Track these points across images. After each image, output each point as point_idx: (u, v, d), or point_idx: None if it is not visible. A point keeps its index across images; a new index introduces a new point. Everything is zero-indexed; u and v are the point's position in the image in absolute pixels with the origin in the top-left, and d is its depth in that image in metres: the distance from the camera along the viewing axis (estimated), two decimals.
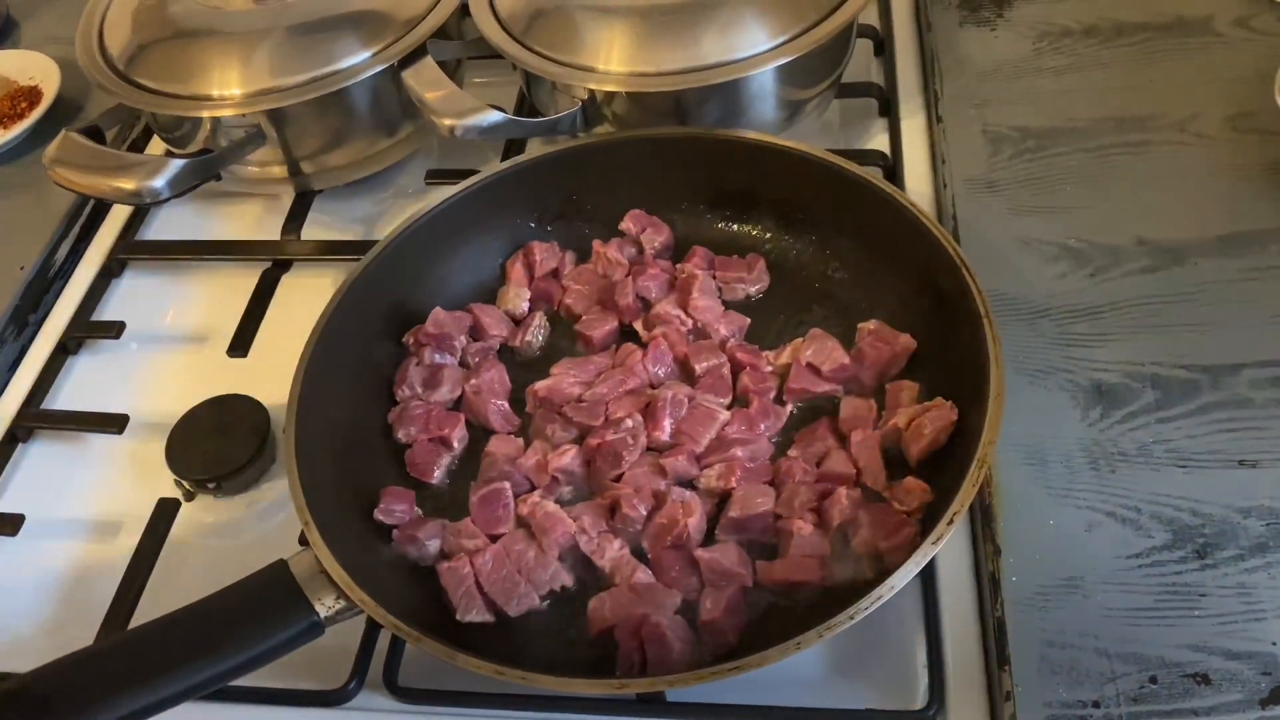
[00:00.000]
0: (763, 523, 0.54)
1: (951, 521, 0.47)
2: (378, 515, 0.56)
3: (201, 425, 0.65)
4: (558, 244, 0.69)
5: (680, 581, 0.52)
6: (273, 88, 0.70)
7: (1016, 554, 0.52)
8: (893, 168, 0.74)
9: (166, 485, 0.64)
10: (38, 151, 0.72)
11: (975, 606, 0.53)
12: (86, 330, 0.74)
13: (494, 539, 0.55)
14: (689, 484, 0.57)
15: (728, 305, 0.65)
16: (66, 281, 0.77)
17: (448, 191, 0.66)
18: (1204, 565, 0.51)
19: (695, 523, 0.54)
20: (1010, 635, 0.50)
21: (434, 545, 0.55)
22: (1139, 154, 0.69)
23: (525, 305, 0.67)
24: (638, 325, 0.64)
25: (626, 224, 0.69)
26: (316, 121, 0.73)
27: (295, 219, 0.77)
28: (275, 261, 0.75)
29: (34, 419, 0.69)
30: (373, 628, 0.55)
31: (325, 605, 0.49)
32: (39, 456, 0.69)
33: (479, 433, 0.61)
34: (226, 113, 0.70)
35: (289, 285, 0.74)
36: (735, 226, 0.69)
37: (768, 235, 0.69)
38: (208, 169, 0.70)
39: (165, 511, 0.62)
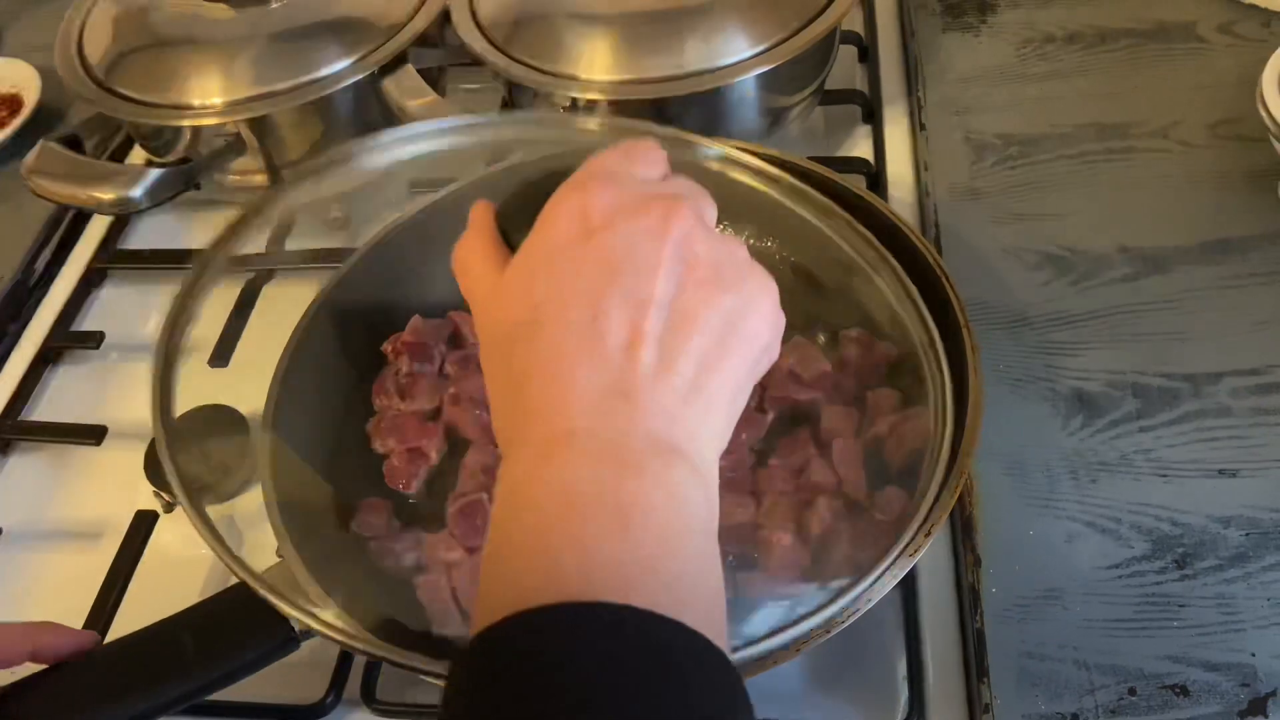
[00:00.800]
0: (742, 534, 0.54)
1: (930, 533, 0.47)
2: (354, 528, 0.56)
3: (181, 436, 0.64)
4: None
5: None
6: (253, 96, 0.70)
7: (996, 565, 0.52)
8: (876, 175, 0.74)
9: (145, 497, 0.64)
10: (17, 160, 0.71)
11: (956, 618, 0.53)
12: (66, 340, 0.73)
13: (472, 551, 0.54)
14: None
15: None
16: (46, 291, 0.77)
17: (430, 198, 0.66)
18: (1183, 576, 0.50)
19: None
20: (990, 647, 0.50)
21: (411, 558, 0.55)
22: (1122, 161, 0.69)
23: None
24: None
25: None
26: (297, 130, 0.73)
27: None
28: (257, 271, 0.75)
29: (12, 430, 0.68)
30: None
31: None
32: (17, 467, 0.68)
33: (458, 443, 0.61)
34: (206, 121, 0.70)
35: (270, 295, 0.74)
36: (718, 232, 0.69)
37: (750, 242, 0.68)
38: (188, 178, 0.70)
39: (143, 523, 0.62)
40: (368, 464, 0.60)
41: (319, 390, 0.60)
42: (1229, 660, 0.48)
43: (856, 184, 0.62)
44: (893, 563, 0.46)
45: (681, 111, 0.69)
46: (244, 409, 0.65)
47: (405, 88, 0.70)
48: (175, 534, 0.63)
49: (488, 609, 0.30)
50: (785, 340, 0.46)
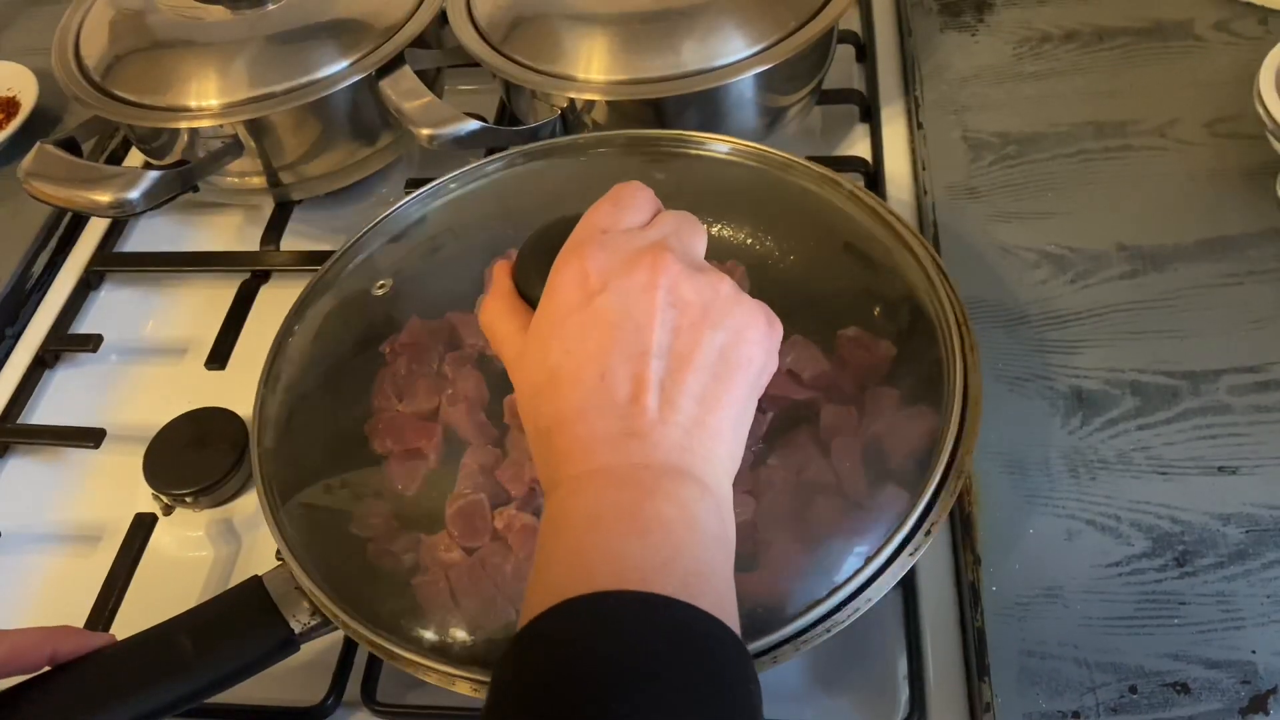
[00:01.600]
0: (742, 534, 0.53)
1: (930, 532, 0.47)
2: (353, 529, 0.56)
3: (179, 438, 0.64)
4: None
5: None
6: (250, 98, 0.70)
7: (996, 563, 0.52)
8: (874, 174, 0.74)
9: (144, 499, 0.64)
10: (15, 163, 0.71)
11: (956, 617, 0.53)
12: (64, 343, 0.73)
13: (470, 552, 0.54)
14: None
15: None
16: (44, 294, 0.77)
17: (420, 191, 0.66)
18: (1183, 573, 0.50)
19: None
20: (990, 645, 0.49)
21: (410, 559, 0.55)
22: (1119, 159, 0.69)
23: None
24: None
25: None
26: (295, 131, 0.72)
27: (274, 229, 0.76)
28: (254, 273, 0.75)
29: (10, 433, 0.68)
30: (351, 642, 0.55)
31: (300, 621, 0.49)
32: (15, 471, 0.68)
33: (456, 444, 0.61)
34: (203, 123, 0.70)
35: (267, 296, 0.74)
36: (714, 231, 0.69)
37: (748, 241, 0.68)
38: (185, 180, 0.69)
39: (142, 526, 0.62)
40: (367, 465, 0.60)
41: (314, 392, 0.60)
42: (1229, 658, 0.48)
43: (855, 183, 0.62)
44: (893, 561, 0.46)
45: (679, 111, 0.69)
46: (242, 411, 0.65)
47: (402, 89, 0.70)
48: (174, 536, 0.63)
49: (529, 611, 0.35)
50: (784, 339, 0.46)
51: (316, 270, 0.72)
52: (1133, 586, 0.50)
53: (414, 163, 0.82)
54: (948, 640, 0.52)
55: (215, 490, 0.63)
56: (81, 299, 0.77)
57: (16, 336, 0.74)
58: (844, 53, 0.82)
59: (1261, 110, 0.62)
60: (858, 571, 0.47)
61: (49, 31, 0.77)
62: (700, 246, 0.44)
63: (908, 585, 0.54)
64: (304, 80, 0.70)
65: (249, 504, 0.64)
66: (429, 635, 0.49)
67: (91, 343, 0.72)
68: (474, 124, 0.67)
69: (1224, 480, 0.53)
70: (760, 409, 0.59)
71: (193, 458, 0.63)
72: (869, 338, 0.59)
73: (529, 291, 0.45)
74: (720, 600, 0.36)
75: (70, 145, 0.70)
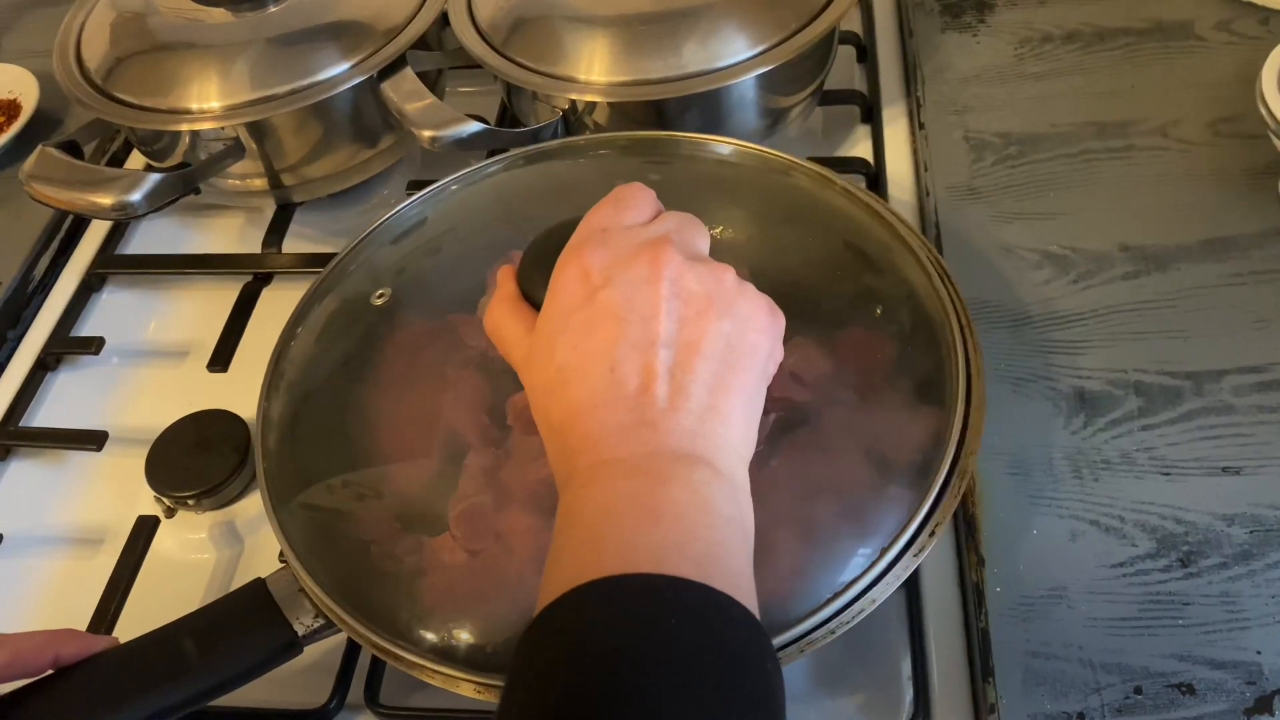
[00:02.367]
0: None
1: (934, 533, 0.47)
2: (356, 531, 0.55)
3: (181, 441, 0.64)
4: None
5: None
6: (251, 100, 0.70)
7: (1000, 564, 0.52)
8: (875, 175, 0.74)
9: (147, 502, 0.64)
10: (16, 166, 0.71)
11: (960, 618, 0.53)
12: (66, 346, 0.73)
13: (474, 554, 0.54)
14: None
15: None
16: (45, 297, 0.77)
17: (422, 193, 0.66)
18: (1188, 574, 0.50)
19: None
20: (994, 646, 0.49)
21: (413, 561, 0.55)
22: (1121, 159, 0.69)
23: None
24: None
25: None
26: (296, 133, 0.72)
27: (276, 231, 0.76)
28: (256, 275, 0.75)
29: (12, 436, 0.68)
30: (354, 645, 0.55)
31: (303, 623, 0.49)
32: (17, 474, 0.68)
33: (458, 446, 0.61)
34: (205, 126, 0.70)
35: (270, 298, 0.74)
36: (716, 233, 0.69)
37: (750, 243, 0.68)
38: (186, 182, 0.69)
39: (144, 529, 0.62)
40: (368, 468, 0.60)
41: (317, 394, 0.59)
42: (1235, 658, 0.48)
43: (856, 184, 0.62)
44: (897, 563, 0.46)
45: (680, 113, 0.69)
46: (244, 413, 0.65)
47: (404, 91, 0.70)
48: (177, 539, 0.63)
49: (543, 601, 0.35)
50: (786, 340, 0.46)
51: (319, 272, 0.73)
52: (1137, 587, 0.50)
53: (415, 164, 0.82)
54: (952, 641, 0.52)
55: (218, 492, 0.62)
56: (83, 301, 0.76)
57: (18, 339, 0.74)
58: (845, 53, 0.82)
59: (1264, 110, 0.62)
60: (862, 573, 0.47)
61: (50, 34, 0.76)
62: (703, 244, 0.44)
63: (911, 586, 0.53)
64: (305, 82, 0.70)
65: (251, 506, 0.64)
66: (432, 637, 0.49)
67: (93, 345, 0.72)
68: (476, 126, 0.67)
69: (1228, 481, 0.53)
70: (763, 411, 0.59)
71: (195, 460, 0.63)
72: (872, 339, 0.59)
73: (533, 294, 0.45)
74: (735, 581, 0.36)
75: (72, 148, 0.70)
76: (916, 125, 0.76)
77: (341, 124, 0.73)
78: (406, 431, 0.60)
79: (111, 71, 0.73)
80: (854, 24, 0.86)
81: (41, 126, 0.85)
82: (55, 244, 0.80)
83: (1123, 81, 0.74)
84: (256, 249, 0.76)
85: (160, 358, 0.73)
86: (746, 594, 0.36)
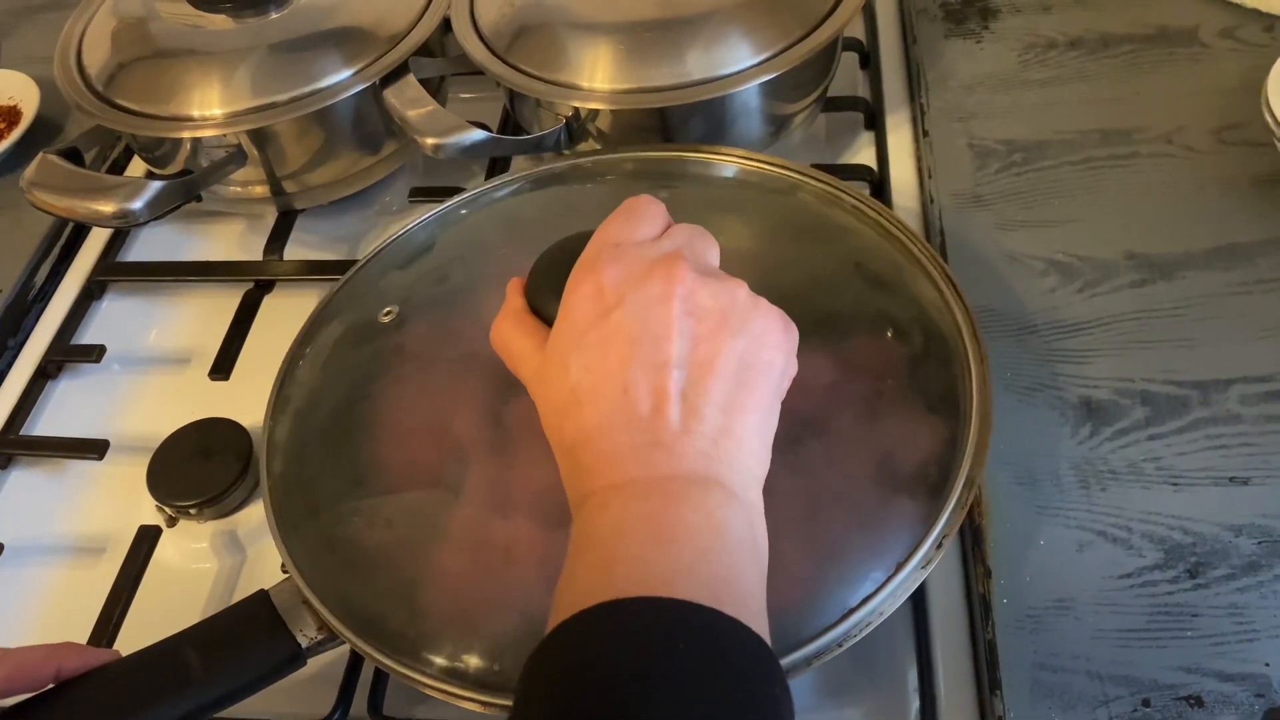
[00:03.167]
0: None
1: (941, 545, 0.47)
2: (359, 543, 0.55)
3: (183, 449, 0.64)
4: None
5: None
6: (253, 107, 0.70)
7: (1007, 575, 0.52)
8: (879, 182, 0.73)
9: (148, 511, 0.63)
10: (16, 173, 0.71)
11: (967, 629, 0.52)
12: (66, 354, 0.73)
13: (478, 567, 0.54)
14: None
15: None
16: (46, 304, 0.77)
17: (431, 209, 0.66)
18: (1196, 585, 0.50)
19: None
20: (1001, 658, 0.49)
21: (416, 573, 0.54)
22: (1126, 167, 0.69)
23: None
24: None
25: None
26: (298, 140, 0.72)
27: (278, 239, 0.76)
28: (257, 282, 0.74)
29: (12, 445, 0.68)
30: (357, 656, 0.54)
31: (306, 636, 0.48)
32: (18, 483, 0.68)
33: (463, 457, 0.60)
34: (206, 133, 0.69)
35: (271, 306, 0.73)
36: (721, 244, 0.69)
37: (756, 252, 0.68)
38: (188, 190, 0.69)
39: (146, 538, 0.61)
40: (372, 479, 0.60)
41: (321, 408, 0.59)
42: (1243, 670, 0.47)
43: (863, 194, 0.62)
44: (906, 575, 0.46)
45: (684, 120, 0.69)
46: (246, 422, 0.64)
47: (406, 98, 0.70)
48: (178, 549, 0.63)
49: (552, 623, 0.35)
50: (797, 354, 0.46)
51: (320, 280, 0.73)
52: (1144, 598, 0.50)
53: (418, 171, 0.82)
54: (958, 653, 0.52)
55: (220, 501, 0.62)
56: (84, 309, 0.76)
57: (19, 347, 0.74)
58: (848, 60, 0.82)
59: (1269, 117, 0.62)
60: (871, 585, 0.46)
61: (51, 40, 0.76)
62: (714, 257, 0.44)
63: (918, 597, 0.53)
64: (308, 89, 0.70)
65: (254, 515, 0.63)
66: (435, 650, 0.49)
67: (94, 353, 0.72)
68: (478, 133, 0.67)
69: (1235, 491, 0.53)
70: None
71: (197, 469, 0.63)
72: (878, 348, 0.59)
73: (542, 308, 0.45)
74: (746, 603, 0.36)
75: (72, 155, 0.70)
76: (920, 132, 0.75)
77: (344, 131, 0.73)
78: (410, 446, 0.59)
79: (113, 78, 0.73)
80: (857, 30, 0.86)
81: (42, 133, 0.85)
82: (56, 251, 0.80)
83: (1127, 89, 0.74)
84: (258, 256, 0.76)
85: (161, 365, 0.73)
86: (757, 616, 0.36)
